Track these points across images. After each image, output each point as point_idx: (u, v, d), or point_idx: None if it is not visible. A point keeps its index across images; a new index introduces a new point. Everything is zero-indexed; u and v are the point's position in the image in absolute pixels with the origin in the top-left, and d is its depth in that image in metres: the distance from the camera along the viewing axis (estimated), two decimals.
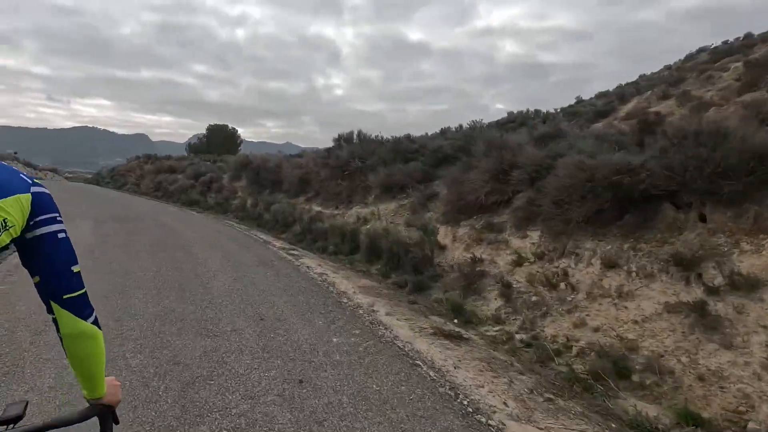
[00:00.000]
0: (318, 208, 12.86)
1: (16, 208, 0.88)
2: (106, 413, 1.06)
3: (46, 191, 0.99)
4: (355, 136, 16.77)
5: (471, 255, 6.40)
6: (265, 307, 4.86)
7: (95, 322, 1.00)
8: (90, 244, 8.26)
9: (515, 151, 7.69)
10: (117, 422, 1.10)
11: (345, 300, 5.29)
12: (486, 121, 18.64)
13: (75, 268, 0.99)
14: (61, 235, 0.98)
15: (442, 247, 7.39)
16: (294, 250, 8.44)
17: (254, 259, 7.25)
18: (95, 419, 1.06)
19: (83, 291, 0.99)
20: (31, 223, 0.93)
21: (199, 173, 22.22)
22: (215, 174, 20.90)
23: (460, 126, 17.98)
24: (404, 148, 12.32)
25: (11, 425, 0.94)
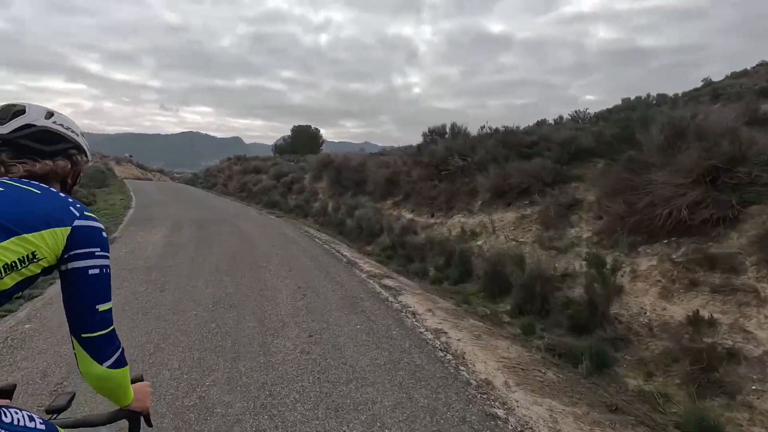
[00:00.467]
0: (409, 215, 10.78)
1: (49, 241, 0.90)
2: (135, 418, 1.11)
3: (94, 224, 0.99)
4: (447, 130, 14.45)
5: (690, 313, 3.78)
6: (363, 425, 2.67)
7: (117, 361, 0.98)
8: (153, 260, 7.00)
9: (735, 138, 4.85)
10: (150, 425, 1.14)
11: (502, 411, 2.85)
12: (570, 111, 15.14)
13: (102, 307, 0.96)
14: (93, 271, 0.96)
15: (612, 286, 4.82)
16: (388, 278, 6.37)
17: (337, 295, 5.30)
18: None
19: (107, 331, 0.96)
20: (66, 255, 0.94)
21: (282, 173, 21.44)
22: (297, 174, 19.88)
23: (560, 118, 14.79)
24: (517, 142, 9.74)
25: (55, 415, 1.04)
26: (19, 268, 0.88)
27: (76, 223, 0.96)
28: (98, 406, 1.06)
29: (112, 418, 1.09)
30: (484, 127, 10.92)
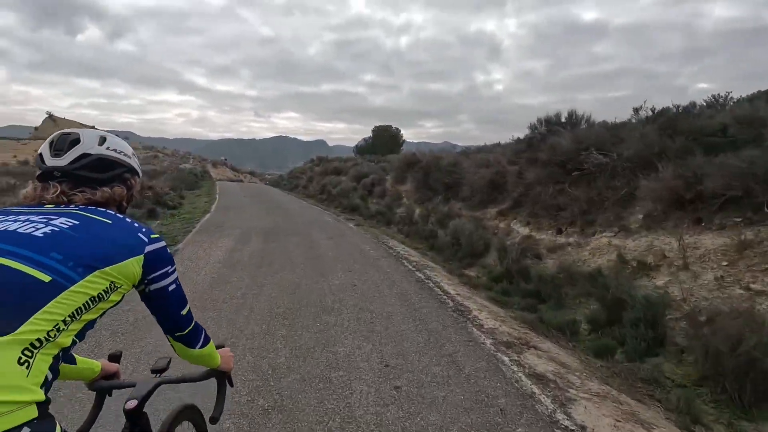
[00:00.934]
0: (523, 229, 8.18)
1: (126, 272, 0.97)
2: (221, 377, 1.36)
3: (160, 245, 1.05)
4: (563, 119, 11.47)
5: None
6: None
7: (204, 341, 1.19)
8: (200, 290, 5.37)
9: None
10: (232, 385, 1.40)
11: None
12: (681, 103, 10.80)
13: (183, 311, 1.12)
14: (171, 288, 1.07)
15: None
16: (530, 348, 3.81)
17: (461, 397, 2.97)
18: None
19: (192, 325, 1.14)
20: (145, 280, 1.03)
21: (362, 175, 19.81)
22: (378, 175, 18.03)
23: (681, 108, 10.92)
24: (698, 128, 6.67)
25: (158, 374, 1.29)
26: (105, 298, 0.95)
27: (147, 249, 1.02)
28: (190, 367, 1.24)
29: (204, 376, 1.32)
30: (640, 108, 7.89)
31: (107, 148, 1.11)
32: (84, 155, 1.07)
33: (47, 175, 1.06)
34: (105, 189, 1.08)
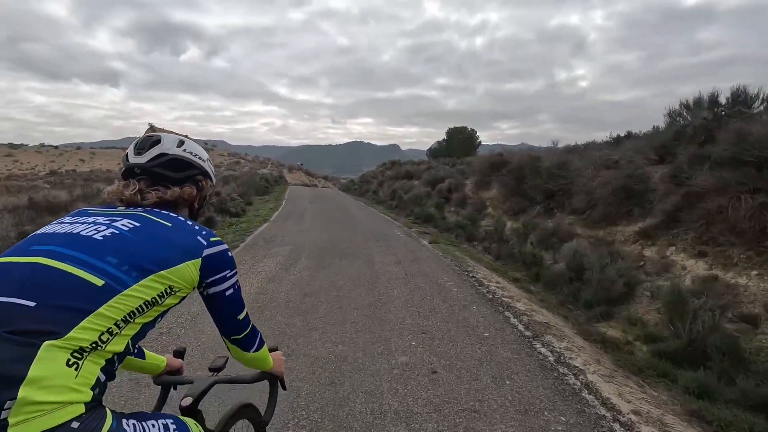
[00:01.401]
0: (694, 264, 5.27)
1: (183, 275, 0.97)
2: (273, 379, 1.37)
3: (220, 249, 1.05)
4: (726, 99, 8.17)
5: None
6: None
7: (259, 345, 1.20)
8: (212, 342, 3.46)
9: None
10: (285, 388, 1.42)
11: None
12: None
13: (240, 316, 1.12)
14: (228, 292, 1.07)
15: None
16: None
17: None
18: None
19: (248, 330, 1.15)
20: (203, 284, 1.04)
21: (437, 179, 17.42)
22: (456, 180, 15.51)
23: None
24: None
25: (215, 373, 1.31)
26: (160, 302, 0.94)
27: (205, 252, 1.02)
28: (245, 368, 1.22)
29: (257, 378, 1.32)
30: None
31: (184, 150, 1.18)
32: (162, 154, 1.13)
33: (129, 172, 1.13)
34: (176, 188, 1.13)
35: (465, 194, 13.69)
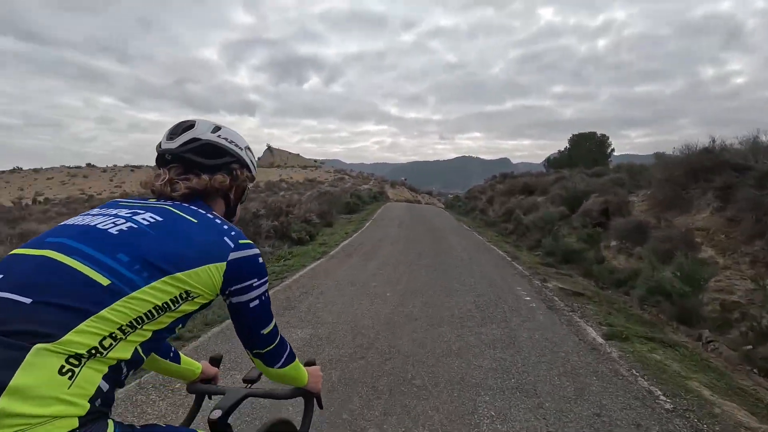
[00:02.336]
0: None
1: (202, 279, 0.84)
2: (309, 397, 1.24)
3: (249, 253, 0.91)
4: None
5: None
6: None
7: (287, 360, 1.04)
8: None
9: None
10: (321, 407, 1.27)
11: None
12: None
13: (265, 330, 0.98)
14: (253, 304, 0.93)
15: None
16: None
17: None
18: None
19: (274, 345, 1.00)
20: (226, 291, 0.91)
21: (575, 194, 11.79)
22: (615, 196, 9.79)
23: None
24: None
25: (248, 385, 1.21)
26: (173, 308, 0.82)
27: (231, 256, 0.89)
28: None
29: (291, 395, 1.20)
30: None
31: (218, 136, 1.05)
32: (195, 139, 1.01)
33: (161, 160, 1.02)
34: (205, 176, 1.00)
35: (641, 219, 7.98)
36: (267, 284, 0.97)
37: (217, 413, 1.05)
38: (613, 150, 41.71)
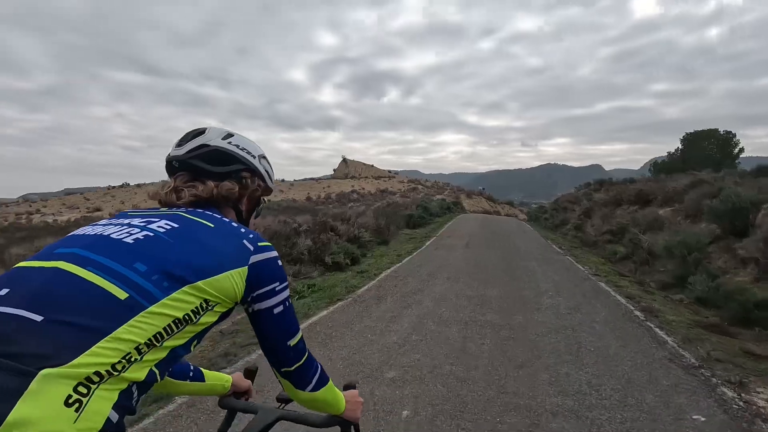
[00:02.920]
0: None
1: (224, 287, 0.78)
2: (346, 426, 1.09)
3: (269, 255, 0.86)
4: None
5: None
6: None
7: (318, 382, 0.94)
8: None
9: None
10: None
11: None
12: None
13: (292, 342, 0.89)
14: (277, 310, 0.86)
15: None
16: None
17: None
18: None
19: (302, 361, 0.91)
20: (248, 298, 0.84)
21: (737, 206, 7.64)
22: None
23: None
24: None
25: (283, 405, 1.13)
26: (194, 321, 0.75)
27: (252, 260, 0.83)
28: None
29: (326, 423, 1.07)
30: None
31: (229, 143, 0.98)
32: (203, 145, 0.95)
33: (169, 167, 0.97)
34: (210, 183, 0.93)
35: None
36: (288, 289, 0.89)
37: None
38: (741, 150, 33.77)
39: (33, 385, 0.55)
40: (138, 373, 0.65)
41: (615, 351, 4.06)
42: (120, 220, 0.84)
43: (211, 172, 0.94)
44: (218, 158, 0.95)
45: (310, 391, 0.93)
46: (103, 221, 0.85)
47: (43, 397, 0.55)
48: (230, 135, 0.99)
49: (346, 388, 1.11)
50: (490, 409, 2.94)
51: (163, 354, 0.70)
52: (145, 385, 0.68)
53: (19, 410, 0.53)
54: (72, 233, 0.82)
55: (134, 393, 0.66)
